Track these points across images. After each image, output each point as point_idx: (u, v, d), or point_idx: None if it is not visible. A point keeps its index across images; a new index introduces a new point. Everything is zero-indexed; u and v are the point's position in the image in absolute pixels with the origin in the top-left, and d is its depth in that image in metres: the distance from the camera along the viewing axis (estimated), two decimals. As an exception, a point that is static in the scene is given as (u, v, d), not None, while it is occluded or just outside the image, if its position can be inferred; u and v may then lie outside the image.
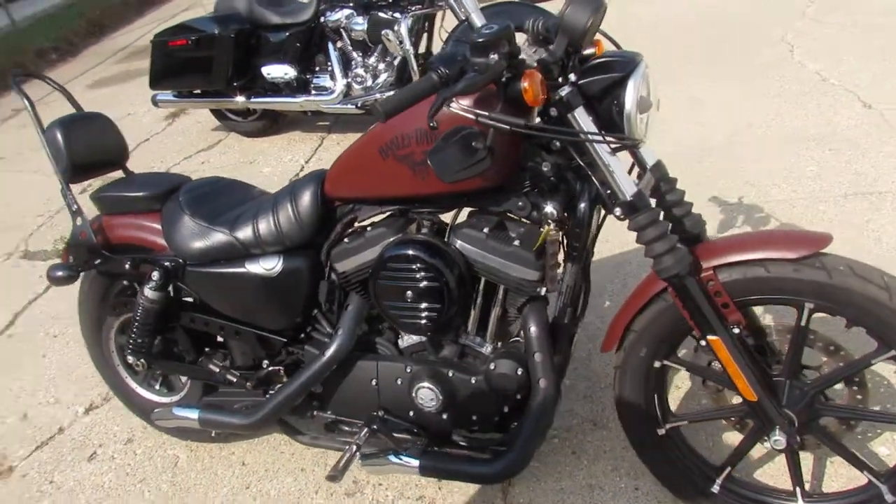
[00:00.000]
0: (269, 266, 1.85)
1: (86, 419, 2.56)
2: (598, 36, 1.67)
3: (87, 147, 2.10)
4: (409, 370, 1.80)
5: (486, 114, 1.40)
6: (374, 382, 1.84)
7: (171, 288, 2.03)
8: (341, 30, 4.05)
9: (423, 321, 1.67)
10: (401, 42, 3.73)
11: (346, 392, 1.89)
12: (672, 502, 1.85)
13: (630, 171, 1.67)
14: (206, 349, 2.16)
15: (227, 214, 1.92)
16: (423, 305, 1.66)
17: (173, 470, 2.27)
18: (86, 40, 8.49)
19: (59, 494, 2.26)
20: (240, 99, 4.33)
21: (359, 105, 4.05)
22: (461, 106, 1.41)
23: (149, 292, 1.97)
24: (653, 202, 1.65)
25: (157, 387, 2.32)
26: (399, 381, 1.81)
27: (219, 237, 1.88)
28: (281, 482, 2.15)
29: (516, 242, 1.62)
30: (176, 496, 2.17)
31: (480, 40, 1.36)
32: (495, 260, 1.63)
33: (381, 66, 4.04)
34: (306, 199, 1.80)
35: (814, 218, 2.79)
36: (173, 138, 5.09)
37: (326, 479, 1.73)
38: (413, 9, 3.93)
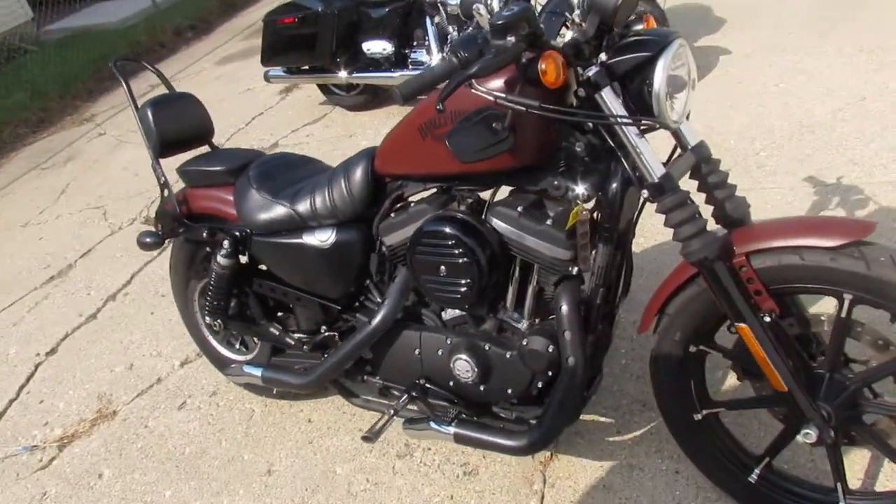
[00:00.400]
0: (323, 238, 1.96)
1: (180, 371, 2.82)
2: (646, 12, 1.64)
3: (175, 125, 2.28)
4: (449, 341, 1.86)
5: (504, 95, 1.42)
6: (417, 352, 1.92)
7: (246, 256, 2.21)
8: (438, 4, 4.10)
9: (455, 295, 1.73)
10: (491, 16, 3.73)
11: (392, 359, 1.98)
12: (713, 489, 1.81)
13: (674, 152, 1.64)
14: (279, 314, 2.33)
15: (289, 188, 2.05)
16: (455, 280, 1.71)
17: (248, 422, 2.47)
18: (219, 19, 9.04)
19: (150, 437, 2.53)
20: (342, 74, 4.50)
21: (451, 80, 4.11)
22: (480, 88, 1.44)
23: (220, 259, 2.14)
24: (694, 184, 1.62)
25: (237, 346, 2.53)
26: (440, 352, 1.88)
27: (280, 210, 2.01)
28: (340, 440, 2.29)
29: (549, 222, 1.63)
30: (248, 446, 2.37)
31: (499, 22, 1.38)
32: (528, 238, 1.65)
33: (474, 40, 4.06)
34: (357, 175, 1.89)
35: (918, 201, 2.57)
36: (284, 112, 5.37)
37: (362, 440, 1.84)
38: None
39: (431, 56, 4.18)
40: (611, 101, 1.45)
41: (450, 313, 1.91)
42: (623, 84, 1.47)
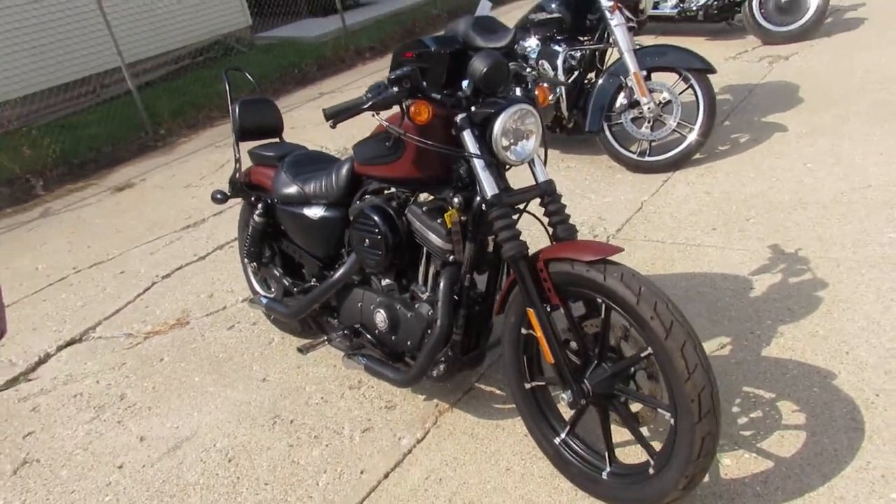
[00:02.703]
0: (315, 213, 2.73)
1: (240, 305, 3.73)
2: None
3: (254, 120, 3.16)
4: (378, 299, 2.56)
5: (388, 123, 2.11)
6: (359, 305, 2.64)
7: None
8: (527, 56, 4.76)
9: (371, 260, 2.42)
10: (554, 71, 4.38)
11: (346, 308, 2.72)
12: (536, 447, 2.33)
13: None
14: (302, 269, 3.13)
15: (305, 175, 2.84)
16: (372, 249, 2.40)
17: (267, 346, 3.30)
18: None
19: (202, 343, 3.44)
20: (444, 103, 5.29)
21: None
22: (377, 117, 2.14)
23: (256, 217, 3.00)
24: (542, 210, 2.20)
25: (271, 288, 3.37)
26: (371, 307, 2.58)
27: (294, 188, 2.81)
28: (318, 370, 3.03)
29: (439, 220, 2.28)
30: (259, 361, 3.19)
31: (391, 77, 2.07)
32: (423, 230, 2.31)
33: (546, 89, 4.67)
34: (343, 172, 2.64)
35: (848, 280, 2.85)
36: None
37: (297, 349, 2.59)
38: (586, 44, 4.52)
39: (514, 97, 4.84)
40: (468, 139, 2.09)
41: (385, 281, 2.60)
42: (483, 130, 2.10)
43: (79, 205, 6.09)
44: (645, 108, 4.16)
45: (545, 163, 2.23)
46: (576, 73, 4.51)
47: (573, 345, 2.07)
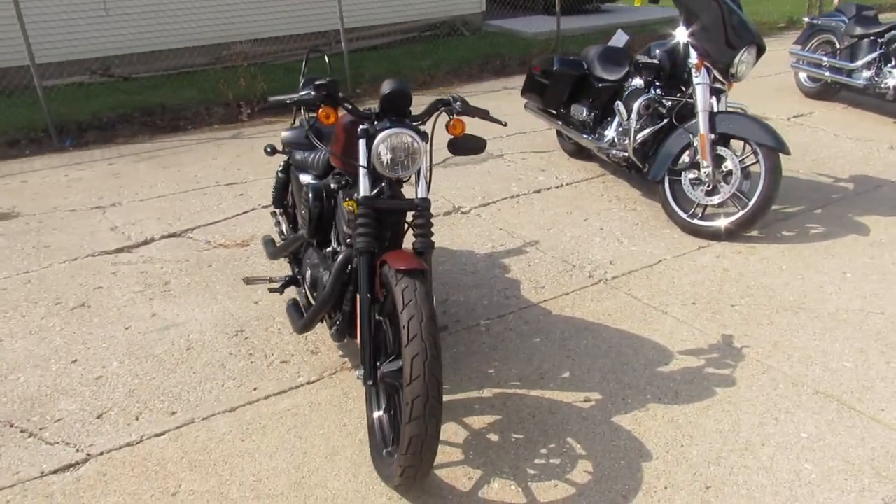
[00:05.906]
0: (305, 179, 3.31)
1: (288, 243, 4.45)
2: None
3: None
4: (315, 261, 3.08)
5: (307, 117, 2.60)
6: (307, 261, 3.19)
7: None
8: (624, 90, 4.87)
9: (302, 225, 2.94)
10: (628, 114, 4.48)
11: (304, 262, 3.28)
12: (378, 423, 2.73)
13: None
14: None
15: (316, 150, 3.42)
16: (306, 217, 2.92)
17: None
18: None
19: (243, 263, 4.22)
20: (558, 122, 5.55)
21: (609, 155, 4.89)
22: (303, 112, 2.63)
23: (279, 172, 3.65)
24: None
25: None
26: (310, 265, 3.11)
27: (303, 156, 3.41)
28: (280, 310, 3.65)
29: (350, 207, 2.74)
30: (261, 289, 3.87)
31: (315, 83, 2.54)
32: (339, 213, 2.79)
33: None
34: (327, 155, 3.18)
35: (756, 388, 2.80)
36: (518, 139, 6.46)
37: (242, 280, 3.20)
38: (677, 96, 4.52)
39: (609, 132, 4.96)
40: (361, 148, 2.51)
41: (327, 249, 3.11)
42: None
43: (260, 136, 7.27)
44: (702, 171, 4.13)
45: (429, 183, 2.58)
46: (664, 121, 4.54)
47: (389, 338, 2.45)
